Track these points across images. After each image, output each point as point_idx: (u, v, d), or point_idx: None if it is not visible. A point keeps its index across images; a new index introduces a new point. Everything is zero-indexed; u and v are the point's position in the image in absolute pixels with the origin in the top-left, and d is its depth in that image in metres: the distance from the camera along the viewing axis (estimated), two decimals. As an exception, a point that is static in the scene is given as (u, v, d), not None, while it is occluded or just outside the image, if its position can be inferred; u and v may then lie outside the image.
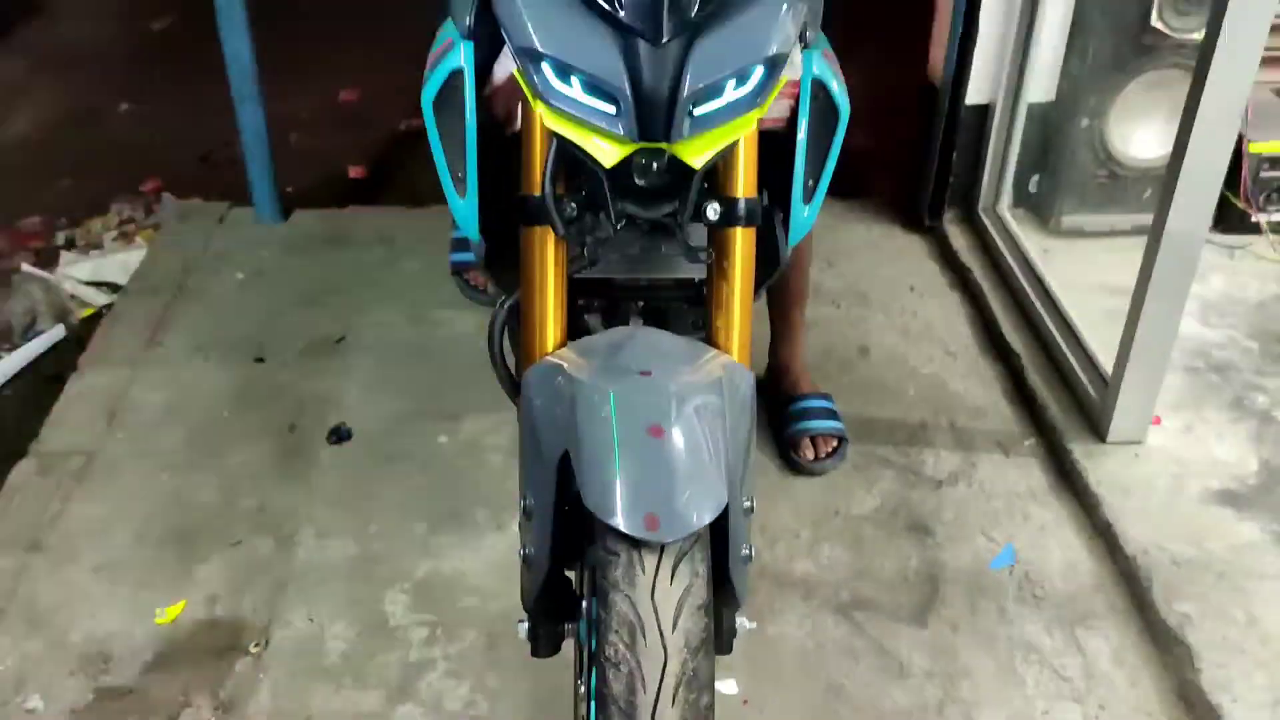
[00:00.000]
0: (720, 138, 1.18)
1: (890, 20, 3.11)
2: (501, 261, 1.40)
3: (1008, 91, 2.55)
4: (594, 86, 1.15)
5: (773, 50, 1.17)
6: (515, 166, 1.29)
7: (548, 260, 1.28)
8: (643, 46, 1.14)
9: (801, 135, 1.31)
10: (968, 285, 2.57)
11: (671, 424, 1.12)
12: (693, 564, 1.11)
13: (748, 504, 1.23)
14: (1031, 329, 2.38)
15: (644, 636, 1.09)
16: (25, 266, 3.11)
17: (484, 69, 1.36)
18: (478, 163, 1.31)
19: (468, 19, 1.30)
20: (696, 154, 1.17)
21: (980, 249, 2.64)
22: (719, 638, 1.27)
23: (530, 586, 1.29)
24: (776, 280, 1.64)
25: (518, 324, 1.33)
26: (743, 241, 1.27)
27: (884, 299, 2.55)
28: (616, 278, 1.43)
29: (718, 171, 1.26)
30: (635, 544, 1.10)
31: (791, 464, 2.11)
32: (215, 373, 2.38)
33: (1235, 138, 1.85)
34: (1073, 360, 2.22)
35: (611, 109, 1.15)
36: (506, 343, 1.42)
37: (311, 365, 2.39)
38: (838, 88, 1.33)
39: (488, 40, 1.31)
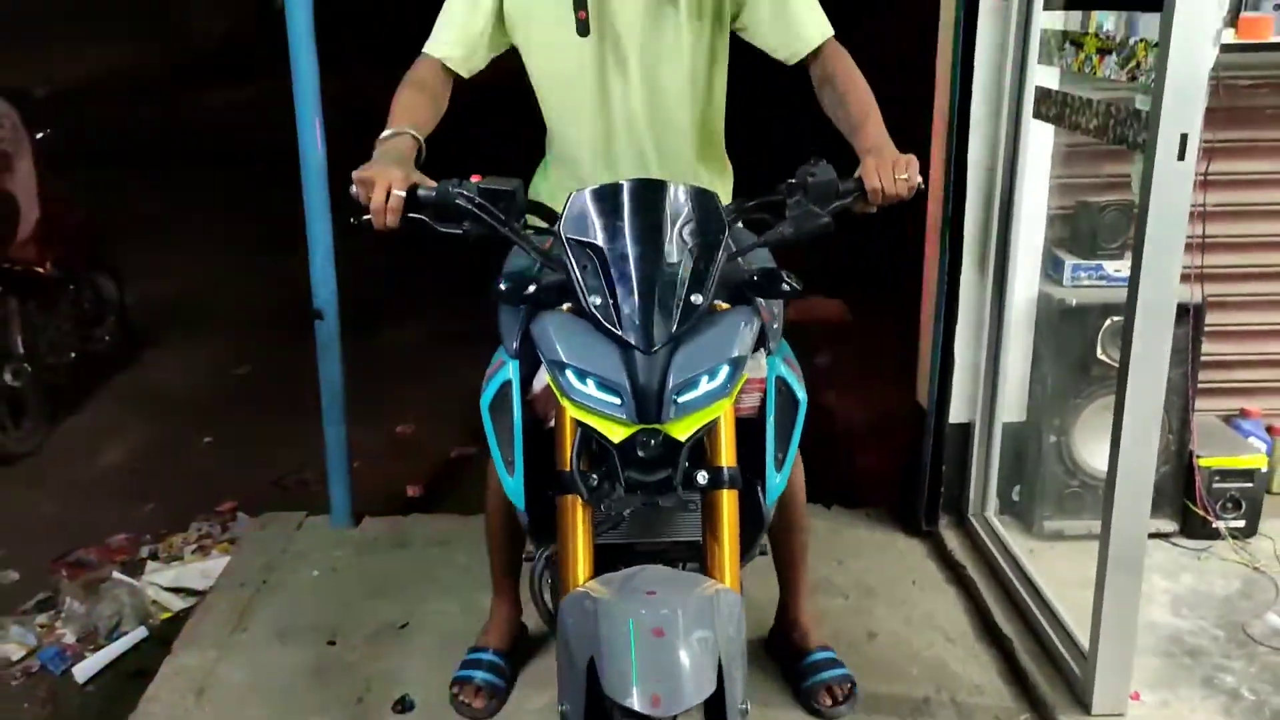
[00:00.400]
0: (700, 419, 1.59)
1: (885, 351, 3.63)
2: (543, 523, 1.79)
3: (984, 412, 2.97)
4: (603, 384, 1.57)
5: (734, 353, 1.61)
6: (551, 453, 1.71)
7: (578, 521, 1.67)
8: (638, 355, 1.56)
9: (770, 420, 1.76)
10: (963, 581, 2.87)
11: (670, 628, 1.46)
12: None
13: (743, 706, 1.53)
14: (1021, 618, 2.66)
15: None
16: (115, 574, 3.46)
17: (526, 381, 1.83)
18: (523, 450, 1.75)
19: (514, 344, 1.81)
20: (682, 431, 1.58)
21: (973, 549, 2.97)
22: None
23: None
24: (780, 543, 2.06)
25: (554, 571, 1.71)
26: (727, 500, 1.66)
27: (888, 592, 2.85)
28: (637, 541, 1.80)
29: (704, 447, 1.67)
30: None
31: (814, 712, 2.38)
32: (292, 654, 2.66)
33: (1154, 451, 2.21)
34: (1058, 644, 2.50)
35: (617, 400, 1.56)
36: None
37: (378, 647, 2.68)
38: (797, 383, 1.80)
39: (528, 359, 1.79)
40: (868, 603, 2.81)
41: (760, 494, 1.78)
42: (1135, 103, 2.15)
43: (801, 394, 1.79)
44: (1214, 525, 2.94)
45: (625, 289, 1.59)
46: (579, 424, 1.63)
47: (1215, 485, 2.94)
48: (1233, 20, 2.71)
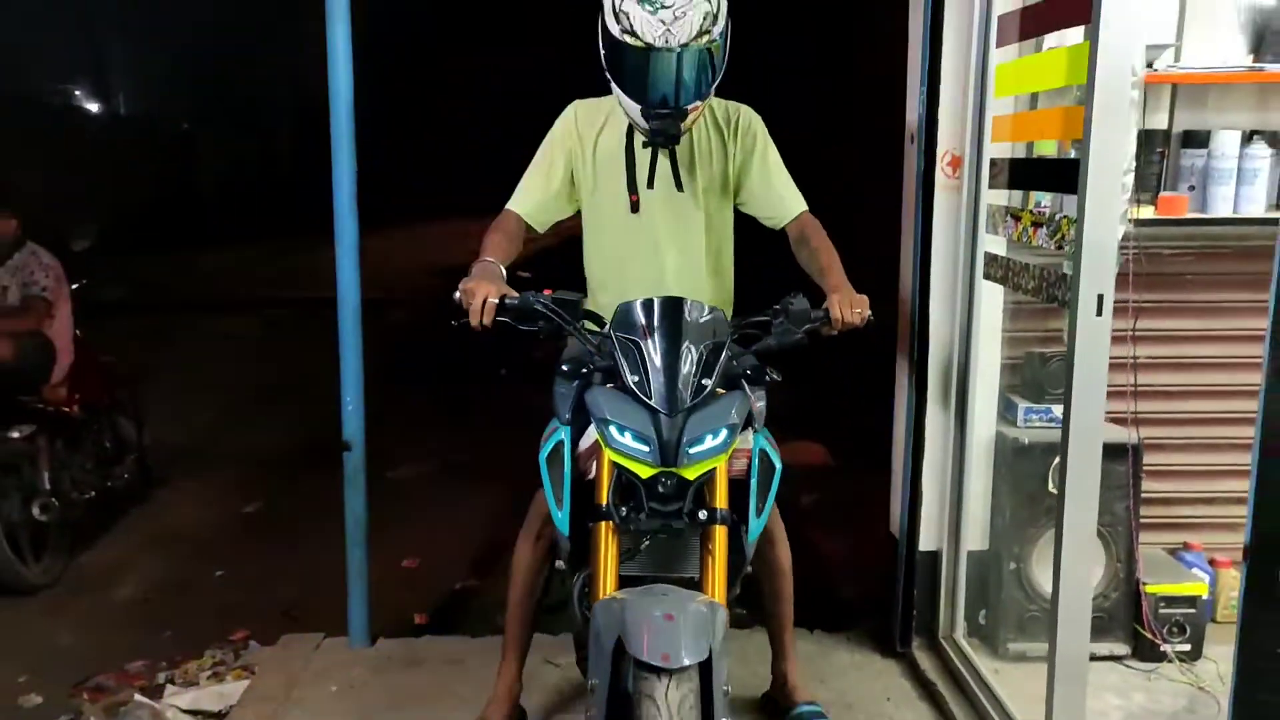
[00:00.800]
0: (705, 466, 2.20)
1: (862, 489, 3.94)
2: (580, 554, 2.34)
3: (950, 541, 3.28)
4: (638, 436, 2.18)
5: (731, 421, 2.23)
6: (589, 497, 2.29)
7: (609, 544, 2.25)
8: (663, 418, 2.18)
9: (754, 479, 2.33)
10: (934, 698, 3.12)
11: (678, 614, 2.04)
12: (688, 684, 2.00)
13: (725, 688, 2.07)
14: (987, 728, 2.92)
15: None
16: (137, 697, 3.65)
17: (573, 444, 2.37)
18: (570, 493, 2.31)
19: (567, 414, 2.36)
20: (692, 474, 2.20)
21: (943, 669, 3.23)
22: None
23: None
24: (768, 594, 2.90)
25: (586, 589, 2.29)
26: (719, 534, 2.25)
27: (866, 707, 3.11)
28: (650, 575, 2.30)
29: (705, 494, 2.25)
30: (656, 671, 1.98)
31: None
32: (316, 761, 2.89)
33: (1088, 570, 2.55)
34: (1019, 751, 2.76)
35: (645, 449, 2.18)
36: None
37: (397, 755, 2.91)
38: (774, 454, 2.38)
39: (576, 427, 2.36)
40: (847, 716, 3.06)
41: (744, 534, 2.33)
42: (1063, 267, 2.54)
43: (778, 462, 2.37)
44: (1162, 648, 3.21)
45: (655, 372, 2.21)
46: (616, 468, 2.23)
47: (1161, 611, 3.22)
48: (1153, 199, 3.15)
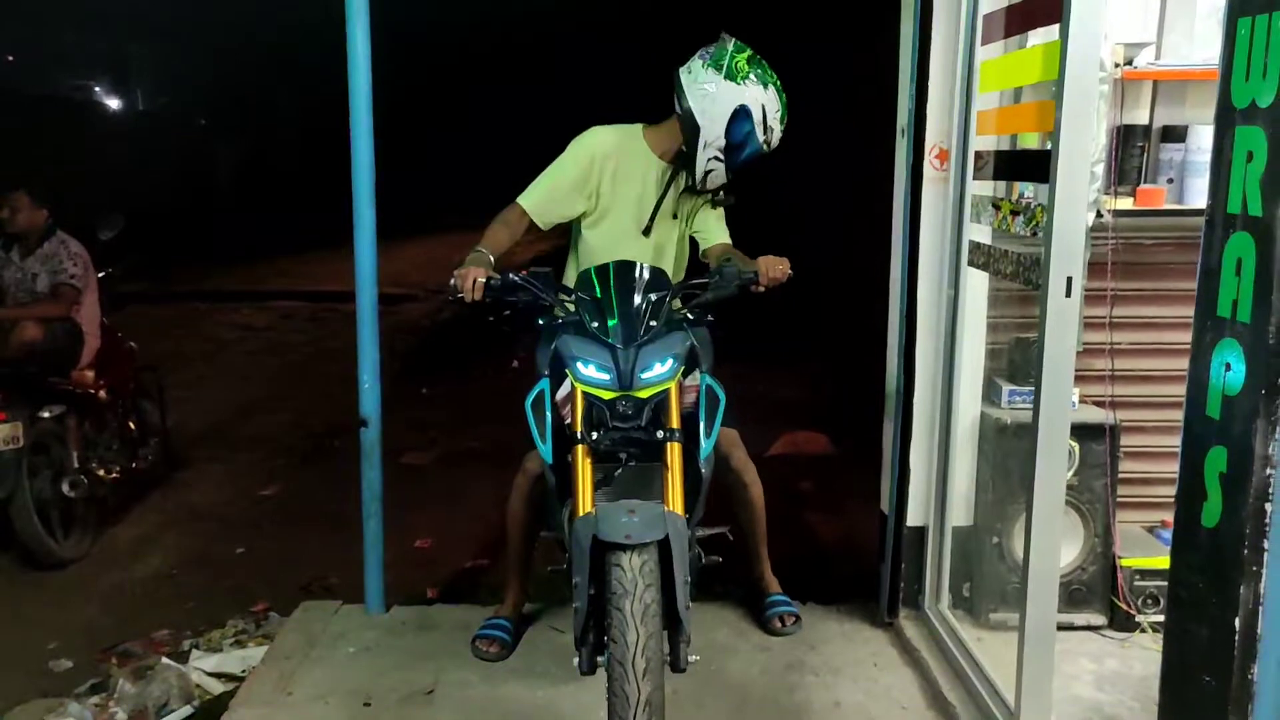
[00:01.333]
0: (656, 388, 2.68)
1: (860, 466, 4.12)
2: (564, 486, 2.76)
3: (935, 516, 3.44)
4: (600, 367, 2.67)
5: (676, 351, 2.72)
6: (567, 434, 2.72)
7: (585, 465, 2.65)
8: (619, 351, 2.67)
9: (701, 409, 2.76)
10: (918, 663, 3.28)
11: (638, 512, 2.50)
12: (649, 562, 2.45)
13: (688, 579, 2.55)
14: (964, 689, 3.07)
15: (627, 591, 2.41)
16: (164, 660, 3.83)
17: (553, 394, 2.83)
18: (552, 433, 2.74)
19: (545, 369, 2.87)
20: (645, 394, 2.68)
21: (928, 638, 3.38)
22: (674, 655, 2.57)
23: (579, 626, 2.55)
24: (738, 503, 3.48)
25: (571, 515, 2.65)
26: (674, 449, 2.67)
27: (853, 672, 3.27)
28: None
29: (662, 415, 2.70)
30: (622, 548, 2.44)
31: (771, 632, 3.51)
32: (333, 713, 3.07)
33: (1057, 550, 2.72)
34: (993, 707, 2.91)
35: (607, 377, 2.67)
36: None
37: (408, 709, 3.08)
38: (718, 388, 2.79)
39: (555, 379, 2.83)
40: (834, 679, 3.22)
41: (697, 454, 2.76)
42: (1038, 253, 2.70)
43: (722, 395, 2.79)
44: (1136, 619, 3.37)
45: (611, 316, 2.72)
46: (586, 400, 2.70)
47: (1136, 583, 3.37)
48: (1132, 191, 3.31)
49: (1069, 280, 2.49)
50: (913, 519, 3.47)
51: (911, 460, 3.43)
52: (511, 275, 2.86)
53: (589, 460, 2.65)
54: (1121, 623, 3.38)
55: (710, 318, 2.97)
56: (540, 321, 2.96)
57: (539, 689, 3.16)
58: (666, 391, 2.70)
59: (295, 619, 3.64)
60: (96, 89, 19.16)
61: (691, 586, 2.58)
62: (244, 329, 10.52)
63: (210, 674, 3.74)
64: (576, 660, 2.59)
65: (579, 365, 2.69)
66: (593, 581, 2.51)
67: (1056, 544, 2.70)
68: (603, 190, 3.21)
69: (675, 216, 3.27)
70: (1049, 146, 2.57)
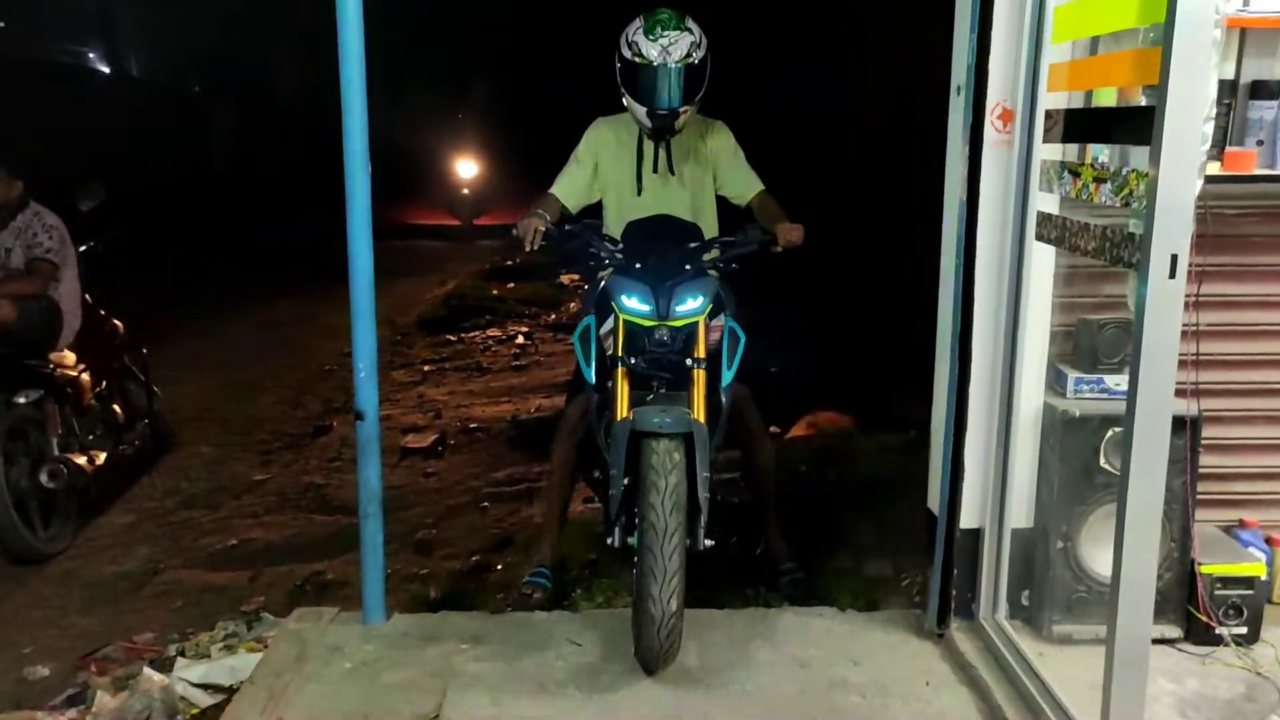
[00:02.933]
0: (688, 320, 3.19)
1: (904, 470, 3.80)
2: (604, 405, 3.26)
3: (993, 518, 3.10)
4: (642, 299, 3.19)
5: (706, 291, 3.26)
6: (609, 362, 3.27)
7: (623, 384, 3.15)
8: (658, 288, 3.20)
9: (724, 344, 3.28)
10: (975, 682, 2.96)
11: (669, 413, 3.00)
12: (677, 443, 2.96)
13: (705, 474, 3.03)
14: (1030, 712, 2.75)
15: (658, 470, 2.91)
16: (146, 670, 3.52)
17: (598, 328, 3.36)
18: (595, 359, 3.29)
19: (591, 306, 3.42)
20: (680, 324, 3.18)
21: (984, 651, 3.06)
22: (693, 537, 3.03)
23: (614, 509, 3.07)
24: (750, 465, 3.84)
25: (610, 425, 3.15)
26: (700, 375, 3.17)
27: (903, 690, 2.94)
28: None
29: (692, 346, 3.19)
30: (655, 435, 2.94)
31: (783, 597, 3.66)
32: (326, 740, 2.75)
33: (1155, 555, 2.37)
34: (1071, 739, 2.59)
35: (647, 308, 3.18)
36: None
37: (410, 735, 2.77)
38: (739, 330, 3.30)
39: (600, 316, 3.35)
40: (882, 701, 2.90)
41: (719, 388, 3.25)
42: (1129, 226, 2.35)
43: (741, 334, 3.29)
44: (1217, 631, 3.04)
45: (653, 257, 3.25)
46: (626, 328, 3.18)
47: (1217, 592, 3.04)
48: (1219, 154, 2.94)
49: (1173, 258, 2.14)
50: (966, 520, 3.13)
51: (966, 455, 3.09)
52: (566, 226, 3.37)
53: (627, 381, 3.14)
54: (1200, 635, 3.06)
55: (735, 266, 3.42)
56: (591, 264, 3.45)
57: (553, 711, 2.85)
58: (696, 325, 3.19)
59: (287, 629, 3.32)
60: (90, 55, 18.72)
61: (706, 526, 3.05)
62: (240, 304, 10.16)
63: (196, 685, 3.43)
64: (610, 539, 3.12)
65: (623, 298, 3.19)
66: (628, 473, 3.00)
67: (1153, 551, 2.36)
68: (602, 169, 3.68)
69: (674, 174, 3.63)
70: (1142, 102, 2.22)
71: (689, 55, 3.40)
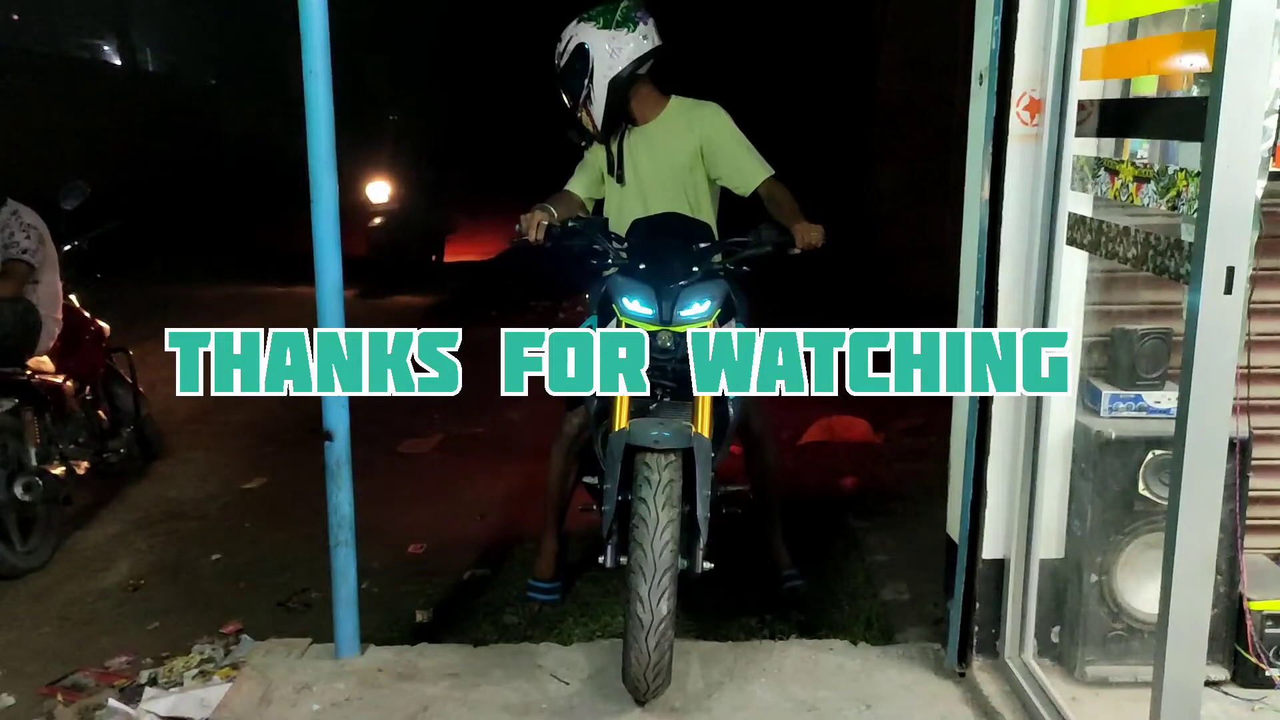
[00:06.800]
0: (692, 326, 2.99)
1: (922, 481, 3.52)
2: (602, 412, 3.09)
3: (1019, 548, 2.83)
4: (644, 303, 3.03)
5: (713, 295, 3.05)
6: None
7: (624, 397, 2.93)
8: (662, 290, 3.03)
9: None
10: (1001, 729, 2.70)
11: (667, 426, 2.82)
12: (673, 459, 2.77)
13: (706, 493, 2.82)
14: (1066, 770, 2.49)
15: (652, 485, 2.71)
16: (111, 701, 3.31)
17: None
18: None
19: (595, 307, 3.25)
20: (682, 330, 2.99)
21: (1010, 695, 2.80)
22: (690, 559, 2.82)
23: (606, 525, 2.85)
24: (755, 474, 3.65)
25: (605, 435, 2.97)
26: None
27: (921, 740, 2.68)
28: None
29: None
30: (650, 451, 2.76)
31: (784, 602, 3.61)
32: (287, 798, 2.52)
33: (1208, 595, 2.10)
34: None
35: (649, 312, 3.03)
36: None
37: (378, 791, 2.53)
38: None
39: (603, 318, 3.16)
40: (899, 751, 2.65)
41: (726, 402, 3.08)
42: (1180, 233, 2.07)
43: None
44: (1268, 674, 2.77)
45: (656, 260, 3.10)
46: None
47: (1269, 631, 2.77)
48: (1271, 149, 2.65)
49: (1229, 271, 1.86)
50: (990, 550, 2.86)
51: (989, 479, 2.82)
52: (569, 222, 3.23)
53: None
54: (1249, 678, 2.79)
55: (746, 269, 3.20)
56: (594, 263, 3.28)
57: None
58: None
59: (253, 665, 3.08)
60: (105, 48, 18.60)
61: (708, 548, 2.84)
62: (240, 304, 9.96)
63: (163, 718, 3.21)
64: (602, 558, 2.89)
65: (624, 300, 3.04)
66: (622, 490, 2.83)
67: (1207, 590, 2.09)
68: (600, 167, 3.63)
69: (623, 182, 3.54)
70: (1193, 92, 1.94)
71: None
